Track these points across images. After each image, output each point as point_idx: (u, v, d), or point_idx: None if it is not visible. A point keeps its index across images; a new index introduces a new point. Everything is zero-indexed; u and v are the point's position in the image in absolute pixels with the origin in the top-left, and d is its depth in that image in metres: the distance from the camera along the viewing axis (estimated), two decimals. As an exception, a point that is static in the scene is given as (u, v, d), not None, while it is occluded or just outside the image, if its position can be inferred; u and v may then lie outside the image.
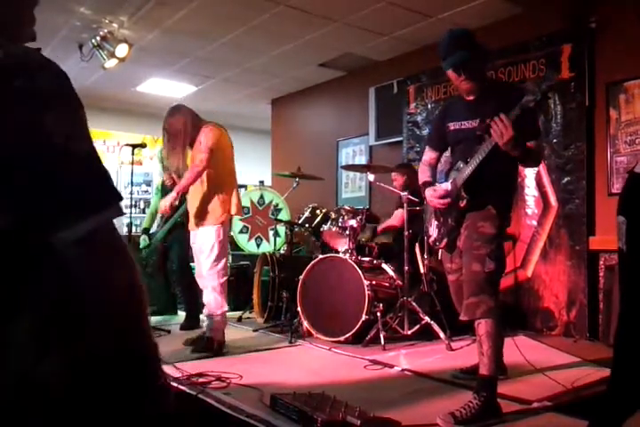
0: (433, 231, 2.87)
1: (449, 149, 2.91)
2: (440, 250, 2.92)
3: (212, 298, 3.65)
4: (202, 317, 4.84)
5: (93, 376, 0.81)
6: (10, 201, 0.76)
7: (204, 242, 3.68)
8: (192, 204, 3.78)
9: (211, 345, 3.60)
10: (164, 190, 5.01)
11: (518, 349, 2.97)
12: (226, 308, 3.71)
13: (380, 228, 4.70)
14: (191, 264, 5.08)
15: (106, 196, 0.82)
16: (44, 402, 0.79)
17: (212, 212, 3.68)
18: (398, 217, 4.49)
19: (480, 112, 2.59)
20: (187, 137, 3.70)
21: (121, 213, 0.84)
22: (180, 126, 3.70)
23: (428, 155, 2.99)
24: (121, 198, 0.84)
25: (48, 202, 0.77)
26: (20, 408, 0.78)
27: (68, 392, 0.80)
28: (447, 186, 2.73)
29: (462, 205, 2.63)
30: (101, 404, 0.83)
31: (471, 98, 2.69)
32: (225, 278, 3.71)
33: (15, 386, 0.77)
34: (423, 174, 2.96)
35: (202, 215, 3.69)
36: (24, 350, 0.77)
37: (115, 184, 0.84)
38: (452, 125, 2.74)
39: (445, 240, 2.77)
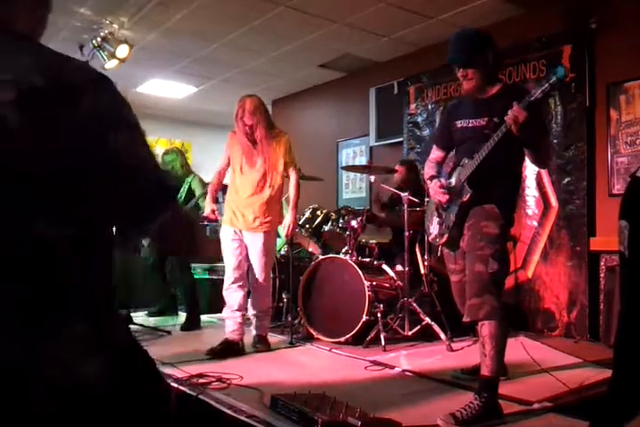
0: (434, 228, 2.85)
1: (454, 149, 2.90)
2: (441, 248, 2.91)
3: (269, 300, 3.84)
4: (203, 317, 4.87)
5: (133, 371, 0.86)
6: (86, 207, 0.84)
7: (266, 246, 3.71)
8: (251, 205, 3.70)
9: (267, 342, 3.81)
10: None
11: (524, 348, 2.97)
12: (270, 306, 3.92)
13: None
14: (191, 265, 5.10)
15: (172, 192, 0.99)
16: (89, 400, 0.80)
17: (275, 217, 3.74)
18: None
19: (488, 111, 2.57)
20: (266, 127, 3.67)
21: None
22: (261, 113, 3.66)
23: (435, 153, 2.97)
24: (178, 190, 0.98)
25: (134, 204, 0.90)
26: (70, 406, 0.79)
27: (109, 389, 0.82)
28: (451, 182, 2.73)
29: (465, 199, 2.61)
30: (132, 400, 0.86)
31: (479, 97, 2.68)
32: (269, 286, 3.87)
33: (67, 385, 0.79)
34: (430, 169, 2.93)
35: (265, 219, 3.69)
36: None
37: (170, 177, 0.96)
38: (459, 123, 2.72)
39: (446, 236, 2.74)
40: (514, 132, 2.37)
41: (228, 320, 3.71)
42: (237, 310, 3.70)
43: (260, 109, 3.65)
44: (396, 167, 4.81)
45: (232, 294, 3.71)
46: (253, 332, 3.82)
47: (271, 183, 3.70)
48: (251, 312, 3.83)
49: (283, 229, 3.90)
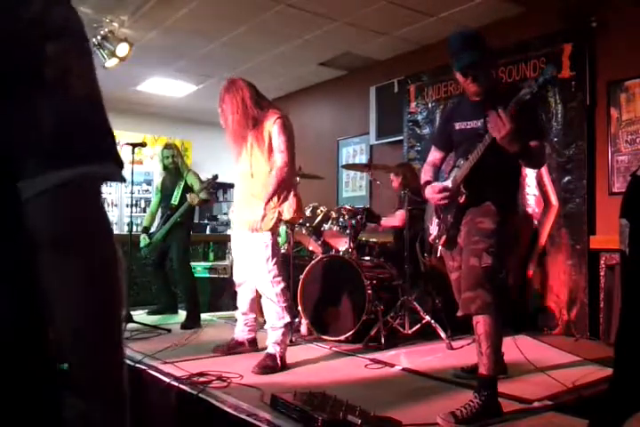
0: (433, 229, 2.88)
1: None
2: (440, 248, 2.92)
3: (271, 309, 3.29)
4: (203, 316, 4.87)
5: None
6: None
7: (255, 248, 3.31)
8: (242, 200, 3.39)
9: (274, 363, 3.18)
10: (164, 190, 5.02)
11: (518, 348, 2.97)
12: (287, 319, 3.29)
13: (382, 225, 4.68)
14: (191, 264, 5.10)
15: (97, 149, 0.70)
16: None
17: (267, 215, 3.26)
18: (399, 218, 4.49)
19: (485, 112, 2.57)
20: (247, 117, 3.27)
21: (116, 177, 0.72)
22: (239, 103, 3.28)
23: (433, 155, 2.98)
24: (117, 159, 0.72)
25: (23, 140, 0.66)
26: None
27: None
28: (448, 183, 2.74)
29: (461, 200, 2.63)
30: None
31: (478, 99, 2.69)
32: (282, 286, 3.31)
33: None
34: (425, 174, 2.95)
35: (253, 215, 3.25)
36: None
37: (116, 144, 0.73)
38: (458, 125, 2.74)
39: (445, 237, 2.77)
40: (497, 142, 2.37)
41: (238, 321, 3.68)
42: (245, 313, 3.61)
43: (229, 95, 3.32)
44: (391, 177, 4.76)
45: (241, 296, 3.61)
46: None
47: (255, 173, 3.30)
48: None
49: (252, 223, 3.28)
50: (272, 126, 3.27)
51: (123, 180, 0.73)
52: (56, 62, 0.68)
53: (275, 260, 3.33)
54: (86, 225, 0.68)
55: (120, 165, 0.72)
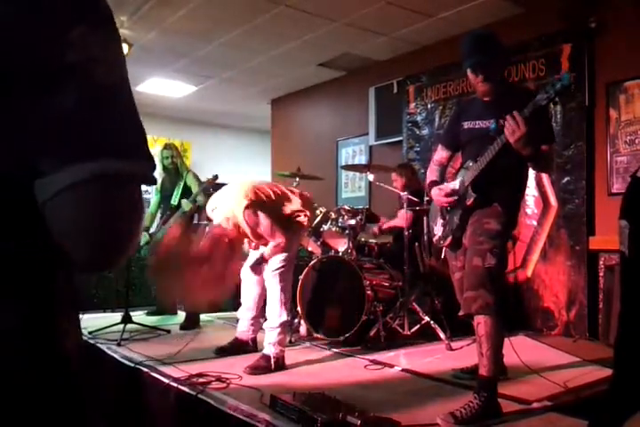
0: (438, 230, 2.87)
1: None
2: (444, 249, 2.92)
3: (274, 305, 3.29)
4: (202, 316, 4.87)
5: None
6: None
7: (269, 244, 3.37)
8: None
9: (267, 364, 3.17)
10: (163, 191, 5.02)
11: (514, 350, 2.95)
12: (285, 318, 3.28)
13: (384, 226, 4.69)
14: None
15: (127, 147, 0.62)
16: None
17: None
18: (404, 217, 4.47)
19: (495, 113, 2.57)
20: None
21: (147, 180, 0.64)
22: None
23: (440, 154, 2.98)
24: (150, 161, 0.65)
25: (40, 135, 0.58)
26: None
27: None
28: (455, 185, 2.73)
29: (469, 203, 2.63)
30: None
31: (488, 99, 2.69)
32: (283, 284, 3.31)
33: None
34: (431, 174, 2.95)
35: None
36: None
37: (147, 144, 0.66)
38: (466, 124, 2.74)
39: (450, 238, 2.77)
40: (511, 144, 2.38)
41: (241, 320, 3.65)
42: (249, 309, 3.59)
43: None
44: (393, 177, 4.77)
45: (245, 291, 3.59)
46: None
47: None
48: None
49: None
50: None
51: (153, 182, 0.66)
52: (79, 47, 0.60)
53: (285, 255, 3.34)
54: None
55: (151, 163, 0.65)
